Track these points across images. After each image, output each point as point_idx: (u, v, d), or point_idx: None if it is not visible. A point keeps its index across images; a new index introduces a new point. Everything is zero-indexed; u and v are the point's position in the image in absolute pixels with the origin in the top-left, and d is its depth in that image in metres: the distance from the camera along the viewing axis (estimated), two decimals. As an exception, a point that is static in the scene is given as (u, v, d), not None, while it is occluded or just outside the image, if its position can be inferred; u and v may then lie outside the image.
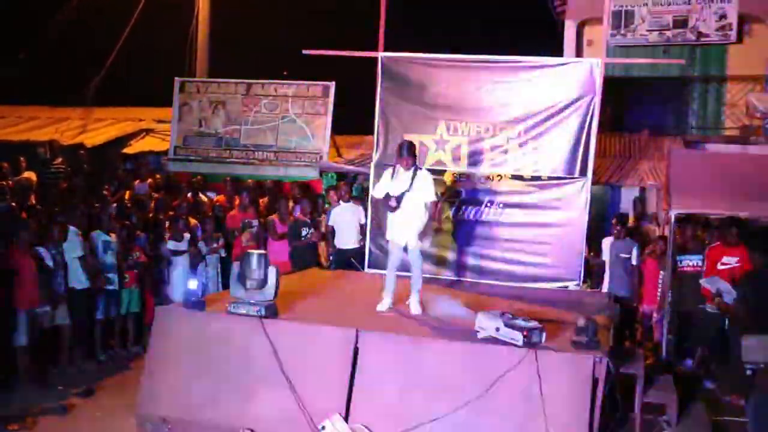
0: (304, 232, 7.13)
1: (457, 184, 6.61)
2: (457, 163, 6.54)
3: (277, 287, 4.32)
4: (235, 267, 4.35)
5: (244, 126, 9.37)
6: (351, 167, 9.09)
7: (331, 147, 9.32)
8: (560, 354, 3.77)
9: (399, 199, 4.84)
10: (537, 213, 6.40)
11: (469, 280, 6.33)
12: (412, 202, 4.89)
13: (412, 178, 4.83)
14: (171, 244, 6.91)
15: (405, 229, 4.91)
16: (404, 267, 5.01)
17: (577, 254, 6.24)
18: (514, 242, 6.40)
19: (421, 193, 4.89)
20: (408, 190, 4.83)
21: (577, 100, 6.25)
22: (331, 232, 7.08)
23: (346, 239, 7.03)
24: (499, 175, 6.49)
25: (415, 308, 4.84)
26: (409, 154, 4.87)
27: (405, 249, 4.95)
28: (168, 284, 6.86)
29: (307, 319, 4.36)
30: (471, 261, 6.48)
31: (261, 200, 8.28)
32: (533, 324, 3.87)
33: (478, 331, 4.00)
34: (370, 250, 6.72)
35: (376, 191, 5.12)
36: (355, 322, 4.24)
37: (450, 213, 6.51)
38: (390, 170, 5.03)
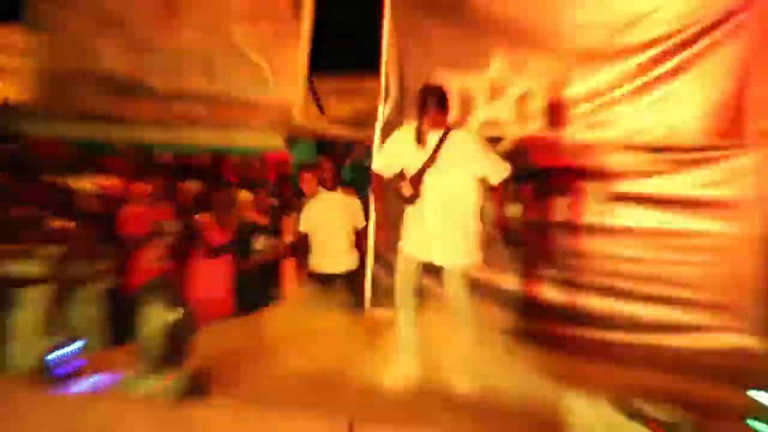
0: (259, 243, 7.11)
1: (527, 159, 6.49)
2: (526, 124, 6.54)
3: (189, 344, 4.41)
4: (135, 306, 4.48)
5: (157, 60, 9.38)
6: (341, 132, 9.13)
7: (308, 97, 9.29)
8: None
9: (416, 180, 5.05)
10: (675, 211, 6.34)
11: (554, 328, 6.25)
12: (444, 188, 5.08)
13: (439, 146, 5.05)
14: (18, 266, 6.76)
15: (435, 236, 5.08)
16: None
17: (754, 286, 6.07)
18: (636, 263, 6.32)
19: (462, 168, 5.06)
20: (432, 166, 5.04)
21: (737, 12, 6.22)
22: (304, 244, 7.09)
23: (331, 256, 7.04)
24: (602, 145, 6.42)
25: (461, 382, 4.88)
26: (437, 105, 5.04)
27: (429, 267, 5.14)
28: (9, 338, 6.64)
29: (262, 400, 4.41)
30: (555, 295, 6.43)
31: (183, 187, 8.21)
32: (678, 417, 3.90)
33: (570, 428, 4.03)
34: (374, 277, 6.79)
35: (378, 162, 5.39)
36: (347, 407, 4.33)
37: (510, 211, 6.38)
38: (407, 130, 5.20)
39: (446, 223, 5.08)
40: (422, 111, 5.07)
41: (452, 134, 5.10)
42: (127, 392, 4.28)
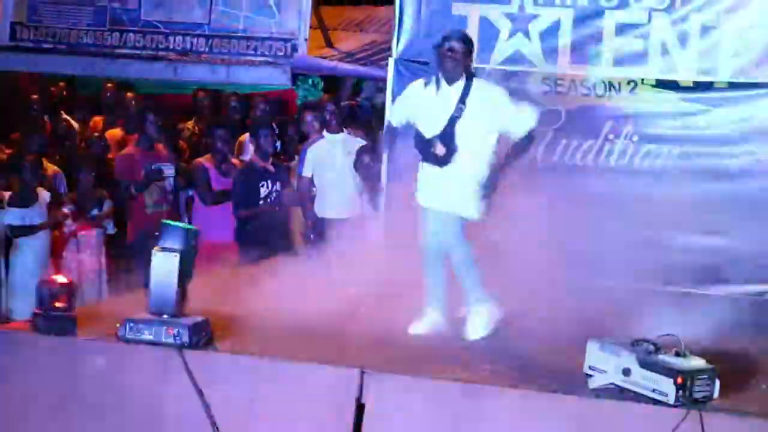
0: (263, 190, 7.24)
1: (550, 99, 6.65)
2: (551, 60, 6.72)
3: (183, 291, 4.43)
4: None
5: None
6: (349, 66, 9.27)
7: (314, 29, 9.48)
8: (747, 421, 3.78)
9: (448, 137, 5.02)
10: (706, 153, 6.50)
11: (573, 279, 5.90)
12: (465, 141, 5.08)
13: (463, 95, 5.06)
14: (11, 215, 6.95)
15: (451, 188, 5.10)
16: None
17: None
18: (662, 208, 6.29)
19: (484, 121, 5.08)
20: (457, 116, 5.03)
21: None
22: (308, 189, 7.33)
23: (336, 200, 7.28)
24: (632, 82, 6.55)
25: (474, 328, 5.04)
26: (460, 52, 5.03)
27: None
28: (5, 287, 6.93)
29: (269, 350, 4.43)
30: (576, 244, 6.19)
31: (182, 127, 8.37)
32: (697, 363, 3.89)
33: (588, 375, 4.06)
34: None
35: (395, 112, 5.47)
36: (358, 356, 4.34)
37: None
38: (422, 84, 5.24)
39: (461, 173, 5.07)
40: (443, 54, 5.04)
41: (475, 83, 5.09)
42: (129, 341, 4.29)
